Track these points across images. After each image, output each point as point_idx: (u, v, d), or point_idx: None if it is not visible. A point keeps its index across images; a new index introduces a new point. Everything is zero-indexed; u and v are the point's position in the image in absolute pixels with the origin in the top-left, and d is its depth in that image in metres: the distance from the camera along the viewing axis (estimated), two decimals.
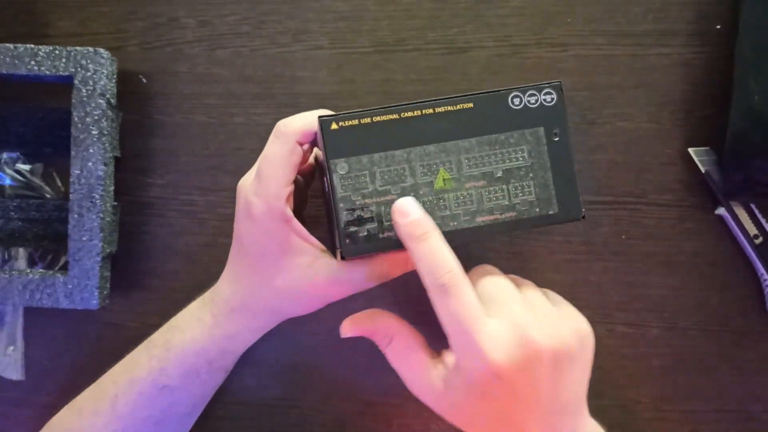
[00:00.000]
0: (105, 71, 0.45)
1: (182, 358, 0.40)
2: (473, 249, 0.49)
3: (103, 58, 0.45)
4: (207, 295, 0.42)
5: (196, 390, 0.42)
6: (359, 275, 0.37)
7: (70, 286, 0.45)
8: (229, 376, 0.45)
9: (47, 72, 0.45)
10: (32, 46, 0.45)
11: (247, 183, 0.37)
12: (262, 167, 0.36)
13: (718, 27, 0.48)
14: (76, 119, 0.45)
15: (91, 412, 0.41)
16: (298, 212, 0.41)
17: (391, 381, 0.50)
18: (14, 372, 0.50)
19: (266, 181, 0.35)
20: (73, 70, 0.45)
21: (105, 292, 0.47)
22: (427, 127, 0.34)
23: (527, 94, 0.35)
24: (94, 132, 0.45)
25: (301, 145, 0.36)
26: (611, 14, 0.49)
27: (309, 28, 0.50)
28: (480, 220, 0.35)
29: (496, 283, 0.34)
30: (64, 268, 0.48)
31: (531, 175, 0.35)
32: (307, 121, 0.35)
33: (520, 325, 0.31)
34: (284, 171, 0.35)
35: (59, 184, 0.51)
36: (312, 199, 0.47)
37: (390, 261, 0.37)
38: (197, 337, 0.40)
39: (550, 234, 0.49)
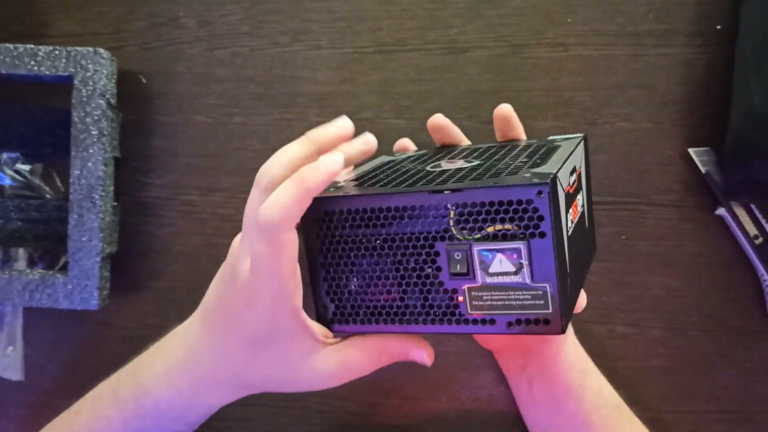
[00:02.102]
0: (105, 71, 0.45)
1: (159, 422, 0.37)
2: None
3: (103, 58, 0.45)
4: (178, 355, 0.36)
5: None
6: (357, 363, 0.33)
7: (69, 287, 0.45)
8: None
9: (47, 72, 0.45)
10: (32, 46, 0.45)
11: (241, 265, 0.32)
12: (255, 266, 0.30)
13: (719, 27, 0.48)
14: (76, 119, 0.45)
15: None
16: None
17: (391, 381, 0.50)
18: (14, 372, 0.50)
19: (266, 282, 0.30)
20: (73, 70, 0.45)
21: (105, 293, 0.47)
22: None
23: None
24: (94, 132, 0.45)
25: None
26: (612, 14, 0.49)
27: (309, 28, 0.50)
28: None
29: None
30: (64, 268, 0.48)
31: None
32: (291, 209, 0.29)
33: None
34: (283, 269, 0.30)
35: (59, 184, 0.51)
36: None
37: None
38: (174, 406, 0.36)
39: None
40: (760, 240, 0.47)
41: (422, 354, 0.32)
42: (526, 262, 0.27)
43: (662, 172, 0.49)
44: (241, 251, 0.32)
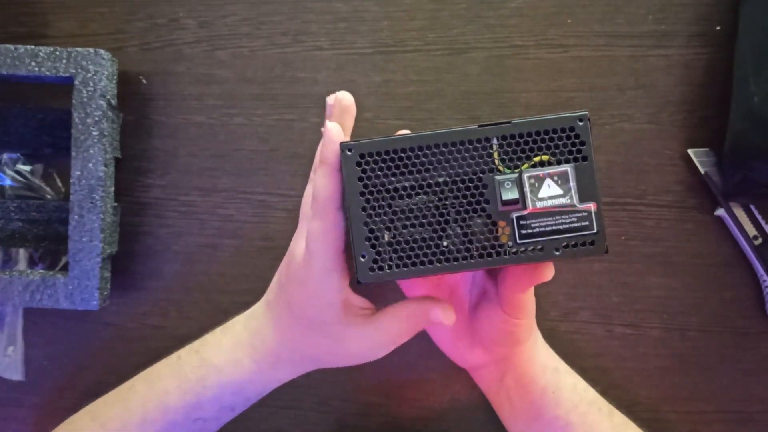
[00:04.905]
0: (105, 72, 0.45)
1: (219, 395, 0.40)
2: None
3: (103, 59, 0.45)
4: (243, 335, 0.40)
5: (228, 419, 0.42)
6: (393, 331, 0.36)
7: (70, 287, 0.45)
8: None
9: (48, 73, 0.45)
10: (33, 47, 0.45)
11: (297, 248, 0.36)
12: (309, 244, 0.34)
13: (718, 28, 0.49)
14: (76, 120, 0.45)
15: (116, 429, 0.41)
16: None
17: (390, 382, 0.50)
18: (14, 372, 0.50)
19: (317, 256, 0.34)
20: (74, 71, 0.45)
21: (105, 293, 0.47)
22: None
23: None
24: (94, 133, 0.45)
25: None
26: (611, 15, 0.49)
27: (309, 28, 0.50)
28: None
29: None
30: (65, 269, 0.48)
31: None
32: (326, 187, 0.33)
33: None
34: (334, 244, 0.33)
35: (59, 184, 0.51)
36: None
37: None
38: (236, 380, 0.40)
39: None
40: (760, 241, 0.47)
41: (437, 312, 0.35)
42: (573, 184, 0.31)
43: (662, 172, 0.49)
44: (297, 236, 0.37)
